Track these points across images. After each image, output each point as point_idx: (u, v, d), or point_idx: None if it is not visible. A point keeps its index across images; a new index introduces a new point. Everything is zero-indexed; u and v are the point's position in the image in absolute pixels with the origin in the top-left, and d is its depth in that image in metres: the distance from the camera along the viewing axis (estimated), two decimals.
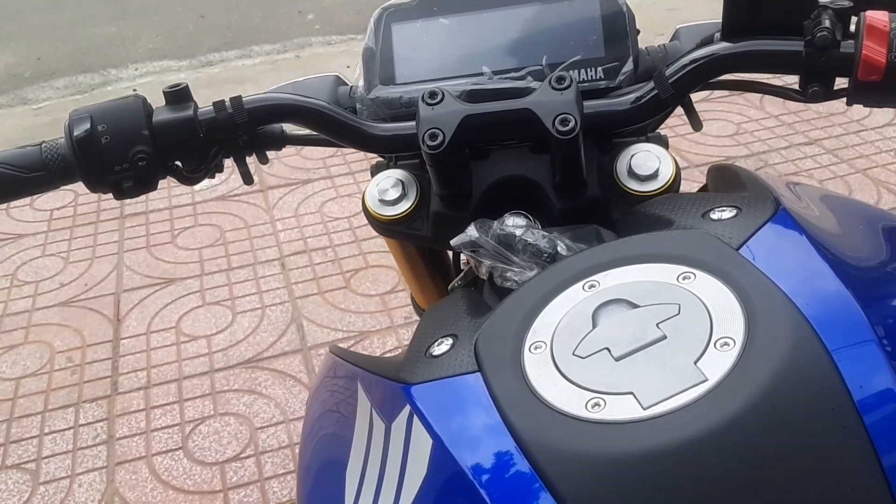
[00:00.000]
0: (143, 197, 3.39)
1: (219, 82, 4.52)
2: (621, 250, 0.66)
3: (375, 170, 0.97)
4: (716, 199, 0.71)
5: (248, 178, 0.89)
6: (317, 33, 5.13)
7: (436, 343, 0.68)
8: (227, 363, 2.50)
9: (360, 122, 0.83)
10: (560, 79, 0.77)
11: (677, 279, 0.61)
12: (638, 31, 0.86)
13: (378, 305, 2.67)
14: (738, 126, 3.52)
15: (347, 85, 0.98)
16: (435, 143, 0.77)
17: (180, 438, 2.27)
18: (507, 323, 0.64)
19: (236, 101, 0.82)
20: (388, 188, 0.92)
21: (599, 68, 0.84)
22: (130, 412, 2.37)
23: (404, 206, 0.94)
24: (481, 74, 0.86)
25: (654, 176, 0.88)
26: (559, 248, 0.76)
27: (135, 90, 4.48)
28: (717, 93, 3.68)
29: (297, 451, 2.19)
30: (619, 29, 0.84)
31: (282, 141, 0.93)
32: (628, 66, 0.84)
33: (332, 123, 0.83)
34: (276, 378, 2.43)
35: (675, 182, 0.89)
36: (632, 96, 0.79)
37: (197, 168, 0.84)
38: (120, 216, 3.29)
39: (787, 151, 3.27)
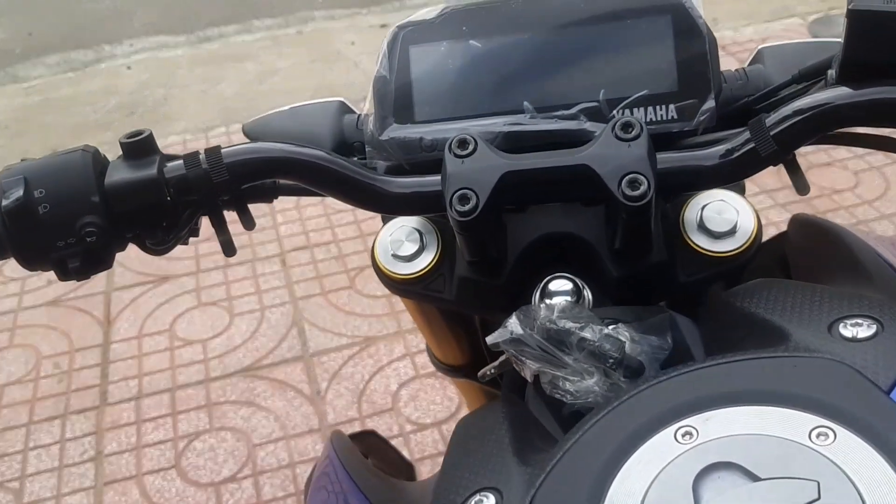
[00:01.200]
0: None
1: (218, 59, 4.32)
2: (725, 381, 0.49)
3: (386, 215, 0.80)
4: (841, 301, 0.54)
5: (228, 249, 0.71)
6: (320, 7, 4.91)
7: (472, 501, 0.51)
8: (224, 371, 2.35)
9: (371, 176, 0.66)
10: (627, 126, 0.60)
11: (810, 437, 0.44)
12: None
13: (385, 307, 2.50)
14: None
15: (354, 112, 0.81)
16: (466, 209, 0.60)
17: (173, 456, 2.12)
18: (572, 486, 0.47)
19: (213, 154, 0.64)
20: (402, 240, 0.75)
21: (672, 106, 0.67)
22: (120, 425, 2.22)
23: (422, 264, 0.77)
24: (522, 112, 0.68)
25: (730, 232, 0.71)
26: (627, 350, 0.59)
27: (129, 67, 4.29)
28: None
29: (297, 471, 2.05)
30: (697, 55, 0.67)
31: (273, 193, 0.76)
32: (709, 104, 0.66)
33: (336, 179, 0.66)
34: (275, 389, 2.28)
35: (756, 240, 0.72)
36: (719, 149, 0.62)
37: (163, 239, 0.67)
38: None
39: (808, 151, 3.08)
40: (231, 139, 3.46)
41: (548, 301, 0.72)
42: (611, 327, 0.59)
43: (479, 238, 0.64)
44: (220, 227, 0.69)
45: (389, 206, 0.67)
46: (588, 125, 0.66)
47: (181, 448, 2.14)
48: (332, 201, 0.88)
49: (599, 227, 0.68)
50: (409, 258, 0.76)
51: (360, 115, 0.78)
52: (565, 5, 0.69)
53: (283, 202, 3.03)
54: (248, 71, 4.15)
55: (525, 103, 0.68)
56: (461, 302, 0.76)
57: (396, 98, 0.70)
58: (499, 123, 0.67)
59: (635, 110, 0.67)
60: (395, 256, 0.77)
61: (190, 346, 2.45)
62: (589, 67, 0.68)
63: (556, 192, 0.63)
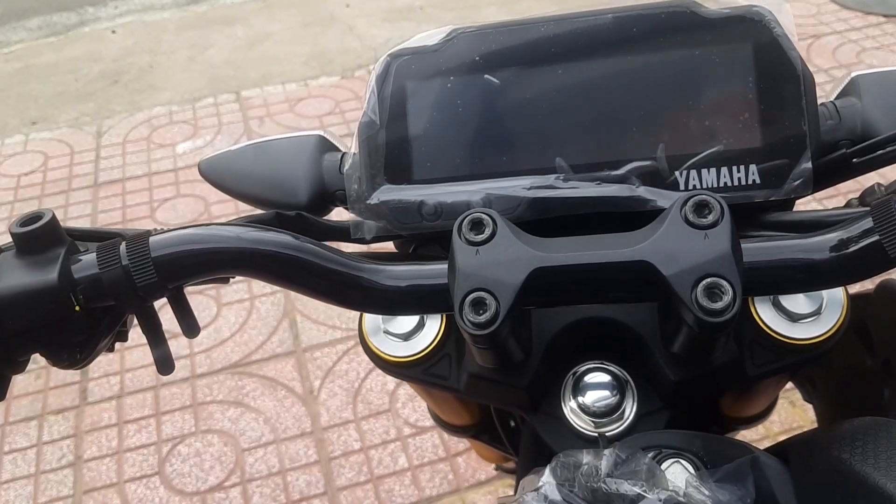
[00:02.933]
0: (119, 162, 3.07)
1: (206, 23, 4.12)
2: None
3: None
4: None
5: (165, 366, 0.56)
6: None
7: None
8: (211, 367, 2.21)
9: (354, 266, 0.50)
10: (702, 206, 0.44)
11: None
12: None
13: None
14: None
15: (337, 150, 0.65)
16: (482, 319, 0.45)
17: (156, 461, 1.99)
18: None
19: (137, 246, 0.49)
20: (396, 315, 0.61)
21: (754, 167, 0.52)
22: (101, 427, 2.09)
23: (422, 344, 0.63)
24: (552, 171, 0.53)
25: (814, 314, 0.57)
26: None
27: (113, 31, 4.09)
28: None
29: (288, 479, 1.92)
30: (788, 100, 0.51)
31: (224, 278, 0.60)
32: (804, 165, 0.51)
33: (306, 273, 0.50)
34: (265, 387, 2.14)
35: (845, 323, 0.57)
36: (829, 238, 0.46)
37: (75, 356, 0.52)
38: (94, 184, 2.96)
39: None
40: (219, 110, 3.29)
41: (581, 399, 0.58)
42: (676, 479, 0.45)
43: (497, 349, 0.49)
44: (153, 333, 0.54)
45: (379, 305, 0.51)
46: (642, 191, 0.51)
47: (165, 453, 2.01)
48: None
49: (652, 317, 0.54)
50: (406, 336, 0.62)
51: (343, 155, 0.63)
52: (609, 28, 0.53)
53: None
54: (237, 36, 3.95)
55: (557, 160, 0.53)
56: (472, 395, 0.61)
57: (389, 151, 0.55)
58: (522, 186, 0.52)
59: (705, 172, 0.51)
60: (387, 334, 0.62)
61: (175, 340, 2.29)
62: (643, 112, 0.53)
63: (603, 294, 0.48)
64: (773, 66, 0.51)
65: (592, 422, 0.58)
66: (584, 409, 0.58)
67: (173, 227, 0.51)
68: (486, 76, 0.53)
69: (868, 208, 0.45)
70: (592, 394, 0.58)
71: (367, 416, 2.04)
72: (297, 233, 0.69)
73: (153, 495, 1.93)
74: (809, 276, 0.46)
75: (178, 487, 1.93)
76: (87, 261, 0.49)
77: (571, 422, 0.59)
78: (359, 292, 0.50)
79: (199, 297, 2.43)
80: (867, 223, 0.45)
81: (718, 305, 0.42)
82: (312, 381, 2.14)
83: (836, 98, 0.59)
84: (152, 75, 3.67)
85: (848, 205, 0.56)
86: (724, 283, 0.43)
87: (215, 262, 0.50)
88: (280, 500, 1.89)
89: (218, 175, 0.66)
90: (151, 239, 0.49)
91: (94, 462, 2.01)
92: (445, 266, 0.48)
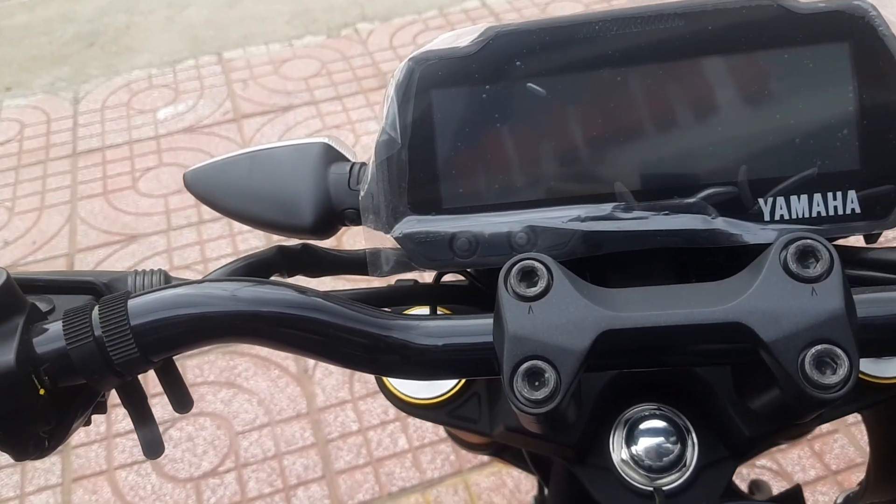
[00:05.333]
0: (97, 129, 2.97)
1: None
2: None
3: (395, 304, 0.58)
4: None
5: (152, 449, 0.49)
6: None
7: None
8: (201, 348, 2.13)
9: (376, 321, 0.42)
10: (807, 254, 0.37)
11: None
12: None
13: None
14: None
15: (345, 160, 0.56)
16: (539, 397, 0.37)
17: None
18: None
19: (112, 311, 0.41)
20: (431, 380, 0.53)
21: (853, 194, 0.43)
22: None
23: (447, 384, 0.55)
24: (611, 198, 0.45)
25: None
26: None
27: None
28: None
29: (285, 463, 1.86)
30: (893, 114, 0.43)
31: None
32: None
33: (318, 337, 0.42)
34: (258, 367, 2.07)
35: None
36: None
37: (38, 446, 0.44)
38: (73, 153, 2.85)
39: None
40: (200, 73, 3.17)
41: (634, 449, 0.50)
42: None
43: (552, 422, 0.41)
44: (137, 410, 0.47)
45: (411, 370, 0.43)
46: (720, 222, 0.43)
47: None
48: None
49: (725, 372, 0.46)
50: None
51: (352, 167, 0.54)
52: (679, 25, 0.44)
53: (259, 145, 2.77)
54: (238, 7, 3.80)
55: (616, 184, 0.45)
56: (506, 441, 0.54)
57: (413, 175, 0.46)
58: (574, 217, 0.44)
59: (794, 200, 0.43)
60: None
61: None
62: (720, 128, 0.44)
63: (683, 359, 0.40)
64: (877, 72, 0.42)
65: (647, 475, 0.51)
66: (638, 461, 0.51)
67: (156, 288, 0.42)
68: (528, 84, 0.45)
69: None
70: (647, 442, 0.51)
71: (364, 396, 1.97)
72: (303, 268, 0.60)
73: (145, 482, 1.86)
74: None
75: (171, 474, 1.87)
76: (53, 332, 0.41)
77: (623, 474, 0.51)
78: (386, 356, 0.41)
79: (188, 273, 2.34)
80: None
81: (831, 380, 0.35)
82: (307, 360, 2.07)
83: None
84: (130, 37, 3.53)
85: None
86: (839, 351, 0.35)
87: (209, 329, 0.41)
88: (277, 486, 1.83)
89: (206, 189, 0.57)
90: (130, 302, 0.41)
91: (82, 448, 1.94)
92: (490, 321, 0.40)
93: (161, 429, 1.66)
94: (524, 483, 1.77)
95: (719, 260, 0.48)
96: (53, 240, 2.50)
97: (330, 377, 2.03)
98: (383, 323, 0.41)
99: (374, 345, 0.41)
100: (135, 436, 1.86)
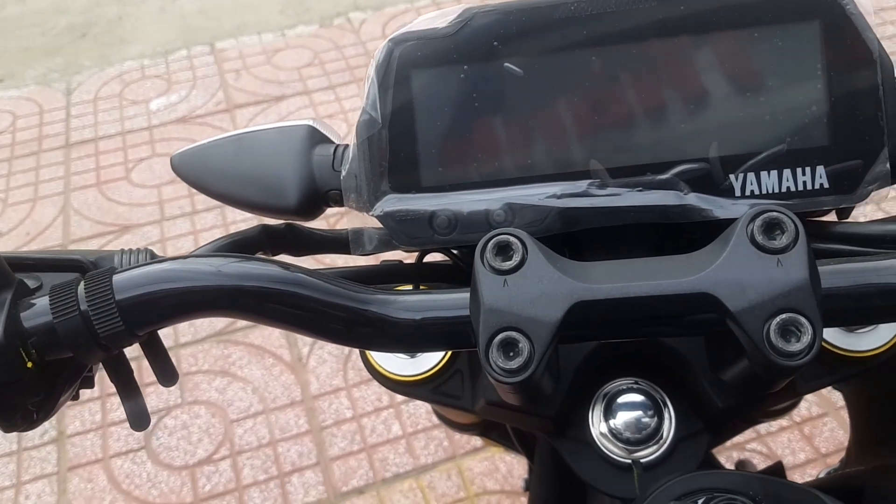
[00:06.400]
0: (90, 120, 2.96)
1: None
2: None
3: (379, 282, 0.59)
4: None
5: (139, 421, 0.50)
6: None
7: None
8: (195, 336, 2.14)
9: (357, 295, 0.43)
10: (773, 226, 0.38)
11: None
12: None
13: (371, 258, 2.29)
14: None
15: (329, 142, 0.57)
16: (514, 365, 0.38)
17: (143, 435, 1.94)
18: None
19: (98, 286, 0.42)
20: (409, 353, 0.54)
21: (822, 170, 0.45)
22: (83, 401, 2.03)
23: (431, 361, 0.56)
24: (586, 176, 0.46)
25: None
26: None
27: None
28: None
29: (279, 450, 1.87)
30: (862, 89, 0.44)
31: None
32: (880, 166, 0.44)
33: (301, 311, 0.43)
34: (252, 355, 2.08)
35: None
36: None
37: (27, 418, 0.45)
38: (65, 144, 2.85)
39: None
40: (193, 63, 3.17)
41: (612, 422, 0.51)
42: None
43: (527, 392, 0.42)
44: (123, 383, 0.47)
45: (390, 342, 0.44)
46: (692, 198, 0.44)
47: (151, 426, 1.95)
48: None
49: (698, 344, 0.47)
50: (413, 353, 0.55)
51: (336, 148, 0.55)
52: (652, 6, 0.45)
53: None
54: None
55: (591, 162, 0.46)
56: (488, 417, 0.55)
57: (393, 154, 0.47)
58: (550, 194, 0.45)
59: (764, 175, 0.44)
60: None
61: None
62: (691, 105, 0.45)
63: (653, 329, 0.41)
64: (845, 50, 0.43)
65: (625, 448, 0.52)
66: (616, 434, 0.52)
67: (141, 263, 0.43)
68: (506, 64, 0.46)
69: None
70: (625, 416, 0.52)
71: (358, 384, 1.99)
72: (287, 247, 0.61)
73: (140, 470, 1.87)
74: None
75: (166, 462, 1.88)
76: (40, 307, 0.42)
77: (601, 447, 0.53)
78: (365, 329, 0.42)
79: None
80: None
81: (795, 347, 0.36)
82: (301, 349, 2.08)
83: None
84: (122, 27, 3.53)
85: None
86: (803, 319, 0.36)
87: (192, 303, 0.42)
88: (271, 472, 1.84)
89: (193, 172, 0.58)
90: (115, 277, 0.42)
91: (77, 437, 1.95)
92: (467, 294, 0.41)
93: (156, 417, 1.67)
94: (517, 468, 1.79)
95: (696, 236, 0.49)
96: (47, 230, 2.50)
97: (324, 365, 2.04)
98: (363, 297, 0.42)
99: (354, 318, 0.42)
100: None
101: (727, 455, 1.78)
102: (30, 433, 1.97)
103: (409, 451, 1.84)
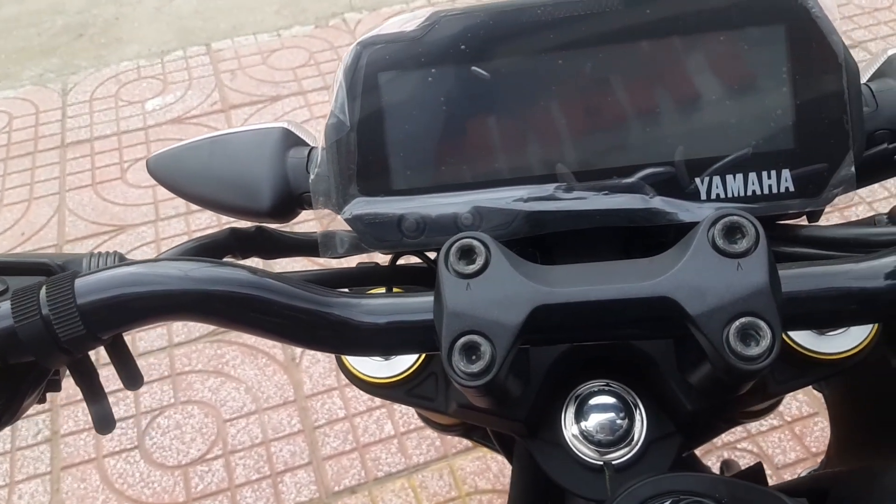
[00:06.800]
0: (86, 120, 2.97)
1: None
2: None
3: (352, 285, 0.59)
4: None
5: (103, 424, 0.50)
6: None
7: None
8: (189, 336, 2.15)
9: (322, 299, 0.43)
10: (734, 230, 0.38)
11: None
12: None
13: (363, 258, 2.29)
14: None
15: (304, 144, 0.57)
16: (475, 369, 0.38)
17: (136, 435, 1.94)
18: None
19: (59, 291, 0.42)
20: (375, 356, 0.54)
21: (787, 173, 0.45)
22: (77, 401, 2.03)
23: (405, 363, 0.57)
24: (553, 179, 0.46)
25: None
26: None
27: None
28: None
29: (272, 449, 1.88)
30: (827, 93, 0.44)
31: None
32: (845, 170, 0.44)
33: (266, 315, 0.43)
34: (245, 355, 2.08)
35: (876, 337, 0.51)
36: (885, 264, 0.39)
37: None
38: (61, 144, 2.85)
39: None
40: (189, 64, 3.17)
41: (584, 424, 0.52)
42: None
43: (492, 395, 0.42)
44: (88, 386, 0.48)
45: (354, 346, 0.44)
46: (658, 202, 0.45)
47: (144, 426, 1.96)
48: None
49: (667, 343, 0.48)
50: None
51: (310, 151, 0.55)
52: (618, 9, 0.46)
53: None
54: None
55: (558, 165, 0.46)
56: (462, 419, 0.55)
57: (362, 157, 0.47)
58: (518, 198, 0.46)
59: (730, 179, 0.45)
60: None
61: None
62: (657, 109, 0.46)
63: (615, 332, 0.42)
64: (811, 54, 0.44)
65: (597, 450, 0.52)
66: (588, 437, 0.52)
67: (104, 267, 0.44)
68: (473, 68, 0.46)
69: None
70: (597, 418, 0.52)
71: (350, 384, 1.99)
72: (257, 250, 0.62)
73: (133, 470, 1.88)
74: (861, 309, 0.39)
75: (159, 461, 1.89)
76: (2, 310, 0.42)
77: (574, 449, 0.53)
78: (329, 333, 0.43)
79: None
80: None
81: (754, 351, 0.36)
82: (294, 349, 2.08)
83: (871, 79, 0.52)
84: (118, 28, 3.53)
85: (892, 212, 0.50)
86: (762, 323, 0.36)
87: (155, 307, 0.43)
88: (264, 472, 1.85)
89: (169, 174, 0.58)
90: (77, 282, 0.42)
91: (71, 437, 1.96)
92: (431, 298, 0.41)
93: (149, 417, 1.68)
94: (508, 467, 1.79)
95: (666, 238, 0.49)
96: (42, 231, 2.51)
97: (317, 365, 2.04)
98: (327, 301, 0.43)
99: (318, 322, 0.42)
100: (123, 424, 1.87)
101: (718, 454, 1.78)
102: (23, 432, 1.97)
103: (402, 451, 1.84)
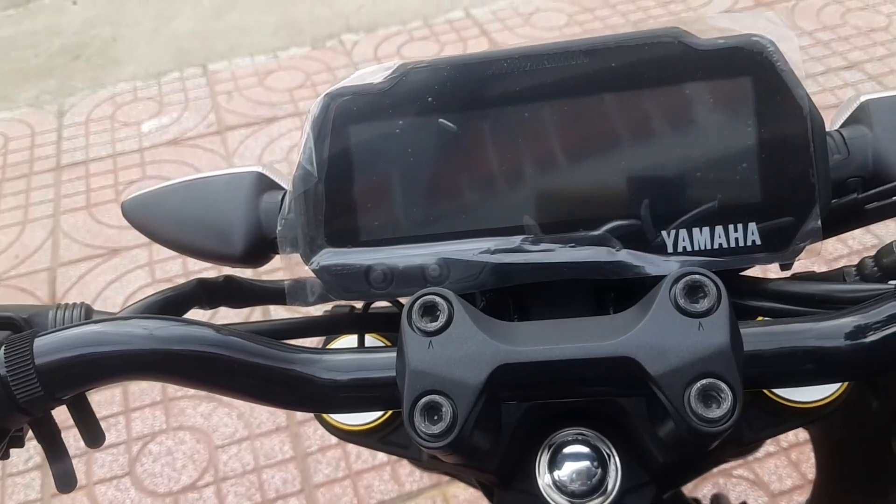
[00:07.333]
0: (82, 142, 2.97)
1: None
2: None
3: (327, 332, 0.58)
4: None
5: (64, 483, 0.49)
6: None
7: None
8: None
9: (284, 355, 0.43)
10: (695, 288, 0.37)
11: None
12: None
13: None
14: None
15: (278, 188, 0.57)
16: (435, 431, 0.38)
17: (127, 461, 1.93)
18: None
19: (16, 351, 0.41)
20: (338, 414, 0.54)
21: (753, 227, 0.44)
22: (67, 427, 2.00)
23: (378, 411, 0.56)
24: (520, 230, 0.46)
25: None
26: None
27: (74, 2, 3.94)
28: (743, 3, 3.23)
29: (264, 476, 1.86)
30: (793, 146, 0.44)
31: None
32: (811, 224, 0.44)
33: (228, 374, 0.43)
34: None
35: (850, 386, 0.50)
36: (846, 323, 0.39)
37: None
38: (56, 166, 2.85)
39: (824, 78, 2.84)
40: (185, 85, 3.18)
41: (557, 474, 0.51)
42: None
43: (458, 453, 0.42)
44: (50, 444, 0.47)
45: (316, 404, 0.44)
46: (624, 255, 0.44)
47: (135, 452, 1.94)
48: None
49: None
50: None
51: (284, 195, 0.55)
52: (584, 62, 0.45)
53: (243, 157, 2.78)
54: (203, 5, 3.81)
55: (525, 217, 0.45)
56: (435, 470, 0.54)
57: (330, 208, 0.47)
58: (484, 250, 0.45)
59: (696, 231, 0.44)
60: None
61: None
62: (623, 161, 0.45)
63: (578, 390, 0.41)
64: (776, 107, 0.43)
65: (571, 500, 0.52)
66: (562, 487, 0.51)
67: (64, 327, 0.43)
68: (440, 119, 0.46)
69: (893, 287, 0.38)
70: (571, 467, 0.51)
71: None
72: (225, 299, 0.61)
73: (124, 497, 1.86)
74: (820, 369, 0.39)
75: (150, 488, 1.87)
76: None
77: (548, 499, 0.52)
78: (288, 391, 0.42)
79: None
80: (892, 307, 0.38)
81: (715, 414, 0.36)
82: None
83: (843, 126, 0.52)
84: (115, 49, 3.54)
85: (861, 265, 0.49)
86: (723, 385, 0.36)
87: (114, 367, 0.42)
88: (255, 499, 1.83)
89: (143, 217, 0.58)
90: (36, 342, 0.41)
91: None
92: (395, 354, 0.41)
93: (141, 443, 1.66)
94: None
95: (638, 288, 0.49)
96: (36, 254, 2.50)
97: None
98: (289, 357, 0.42)
99: (278, 379, 0.42)
100: (114, 450, 1.86)
101: (713, 481, 1.77)
102: (13, 459, 1.96)
103: (394, 478, 1.83)
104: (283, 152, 2.78)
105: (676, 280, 0.38)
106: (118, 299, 2.32)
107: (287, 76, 3.19)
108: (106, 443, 1.95)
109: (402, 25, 3.41)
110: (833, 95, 2.74)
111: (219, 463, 1.91)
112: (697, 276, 0.37)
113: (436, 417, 0.38)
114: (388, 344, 0.60)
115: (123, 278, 2.39)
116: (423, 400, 0.38)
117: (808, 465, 1.79)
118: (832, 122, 0.53)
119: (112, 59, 3.46)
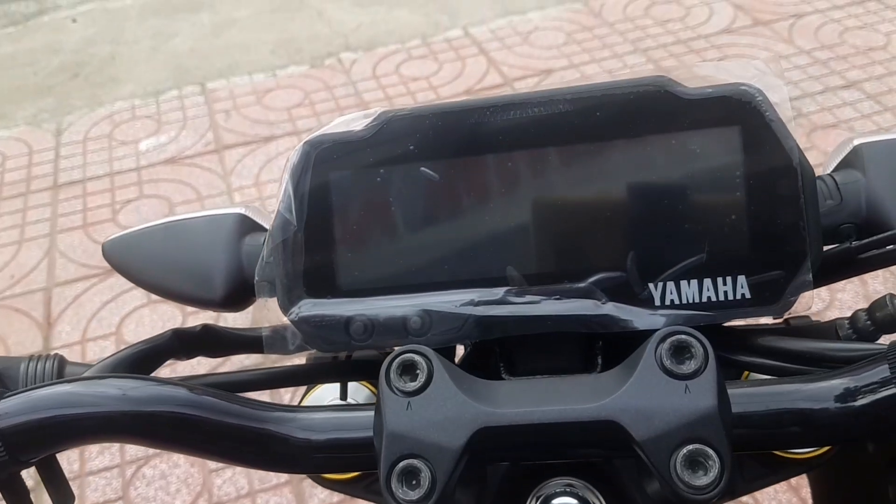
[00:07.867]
0: (79, 161, 2.96)
1: (170, 10, 3.98)
2: None
3: (308, 381, 0.57)
4: None
5: None
6: None
7: None
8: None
9: (259, 414, 0.42)
10: (681, 349, 0.36)
11: None
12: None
13: None
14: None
15: (262, 231, 0.56)
16: (413, 497, 0.36)
17: (120, 485, 1.91)
18: None
19: None
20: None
21: (743, 280, 0.43)
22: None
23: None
24: (503, 282, 0.44)
25: None
26: None
27: (74, 20, 3.95)
28: (740, 22, 3.22)
29: (258, 501, 1.84)
30: (782, 198, 0.43)
31: None
32: (802, 277, 0.42)
33: (200, 435, 0.42)
34: None
35: None
36: (835, 385, 0.38)
37: None
38: (53, 185, 2.84)
39: (822, 97, 2.83)
40: (184, 103, 3.17)
41: None
42: None
43: None
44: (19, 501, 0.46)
45: (290, 465, 0.43)
46: (610, 308, 0.43)
47: (129, 476, 1.92)
48: None
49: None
50: None
51: (268, 236, 0.53)
52: (568, 111, 0.44)
53: (240, 177, 2.77)
54: (203, 23, 3.81)
55: (508, 269, 0.44)
56: None
57: (309, 257, 0.46)
58: (467, 302, 0.44)
59: (684, 284, 0.43)
60: None
61: None
62: (609, 213, 0.44)
63: (561, 453, 0.40)
64: (765, 158, 0.42)
65: None
66: None
67: (28, 388, 0.42)
68: (422, 168, 0.45)
69: (884, 348, 0.37)
70: None
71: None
72: (202, 349, 0.60)
73: None
74: (806, 432, 0.38)
75: None
76: None
77: None
78: (261, 452, 0.41)
79: (164, 307, 2.33)
80: (882, 370, 0.36)
81: (703, 481, 0.34)
82: (282, 395, 2.06)
83: (836, 170, 0.51)
84: (114, 67, 3.54)
85: (854, 318, 0.48)
86: (710, 451, 0.35)
87: (81, 429, 0.41)
88: None
89: (123, 259, 0.57)
90: (1, 403, 0.40)
91: None
92: (372, 413, 0.40)
93: (134, 467, 1.65)
94: None
95: (630, 339, 0.48)
96: (32, 273, 2.49)
97: None
98: (265, 416, 0.41)
99: (256, 440, 0.41)
100: (107, 474, 1.84)
101: None
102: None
103: None
104: (280, 171, 2.77)
105: (662, 339, 0.36)
106: (114, 320, 2.31)
107: (285, 95, 3.18)
108: (98, 466, 1.94)
109: (401, 44, 3.41)
110: (831, 115, 2.73)
111: (213, 487, 1.89)
112: (684, 337, 0.36)
113: (414, 482, 0.37)
114: (374, 391, 0.59)
115: (119, 298, 2.37)
116: (401, 464, 0.37)
117: (808, 490, 1.77)
118: (825, 166, 0.52)
119: (111, 77, 3.46)
